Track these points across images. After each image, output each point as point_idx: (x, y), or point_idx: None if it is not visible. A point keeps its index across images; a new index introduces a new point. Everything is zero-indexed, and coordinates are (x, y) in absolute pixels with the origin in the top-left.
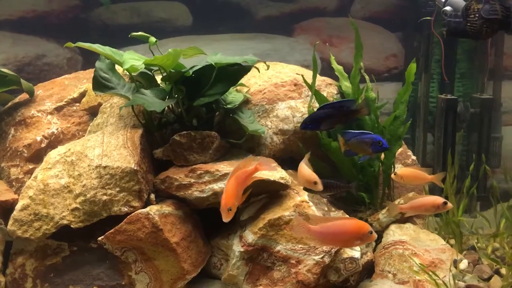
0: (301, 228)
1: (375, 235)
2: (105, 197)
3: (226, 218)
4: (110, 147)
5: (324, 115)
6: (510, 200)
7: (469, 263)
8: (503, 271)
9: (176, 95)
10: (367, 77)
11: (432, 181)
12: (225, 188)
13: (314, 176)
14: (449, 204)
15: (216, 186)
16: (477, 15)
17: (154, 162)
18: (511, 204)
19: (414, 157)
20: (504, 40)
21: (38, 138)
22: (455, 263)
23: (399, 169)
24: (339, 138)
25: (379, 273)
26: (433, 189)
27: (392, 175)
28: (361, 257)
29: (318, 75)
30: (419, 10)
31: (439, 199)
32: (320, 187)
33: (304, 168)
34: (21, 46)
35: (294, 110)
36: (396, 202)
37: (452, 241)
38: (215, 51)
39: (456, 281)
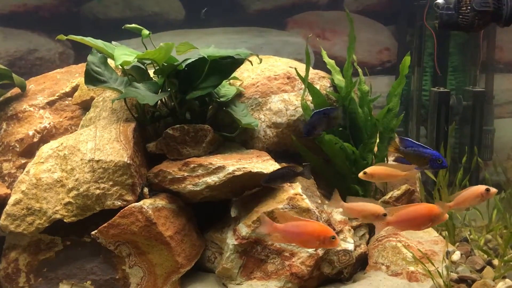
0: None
1: (446, 216)
2: (98, 191)
3: (336, 244)
4: (103, 141)
5: (320, 121)
6: (502, 192)
7: (461, 254)
8: (496, 262)
9: (169, 89)
10: (360, 70)
11: (406, 177)
12: (307, 225)
13: (382, 209)
14: (493, 190)
15: (210, 180)
16: (469, 7)
17: (147, 156)
18: (503, 196)
19: None
20: (496, 33)
21: (30, 133)
22: (448, 254)
23: (369, 167)
24: (392, 143)
25: (372, 265)
26: (426, 182)
27: (361, 174)
28: (355, 249)
29: (311, 68)
30: (412, 3)
31: (480, 188)
32: (389, 218)
33: (365, 203)
34: (13, 40)
35: (287, 103)
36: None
37: (445, 233)
38: (207, 44)
39: (449, 272)
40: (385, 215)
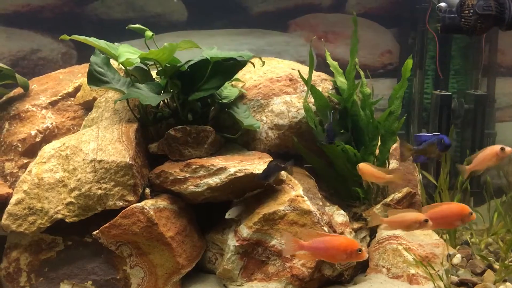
0: None
1: (474, 215)
2: (100, 192)
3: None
4: (105, 141)
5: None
6: (503, 195)
7: (462, 257)
8: (496, 265)
9: (171, 90)
10: (362, 72)
11: (390, 180)
12: (333, 239)
13: (422, 215)
14: (508, 148)
15: (211, 181)
16: (471, 11)
17: (149, 157)
18: (504, 199)
19: None
20: (498, 36)
21: (33, 133)
22: (449, 257)
23: (362, 163)
24: (405, 145)
25: (373, 267)
26: (427, 185)
27: None
28: None
29: (313, 71)
30: (414, 6)
31: (496, 147)
32: (431, 223)
33: (404, 214)
34: (16, 40)
35: (289, 105)
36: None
37: (446, 236)
38: (210, 46)
39: (450, 276)
40: (426, 221)
